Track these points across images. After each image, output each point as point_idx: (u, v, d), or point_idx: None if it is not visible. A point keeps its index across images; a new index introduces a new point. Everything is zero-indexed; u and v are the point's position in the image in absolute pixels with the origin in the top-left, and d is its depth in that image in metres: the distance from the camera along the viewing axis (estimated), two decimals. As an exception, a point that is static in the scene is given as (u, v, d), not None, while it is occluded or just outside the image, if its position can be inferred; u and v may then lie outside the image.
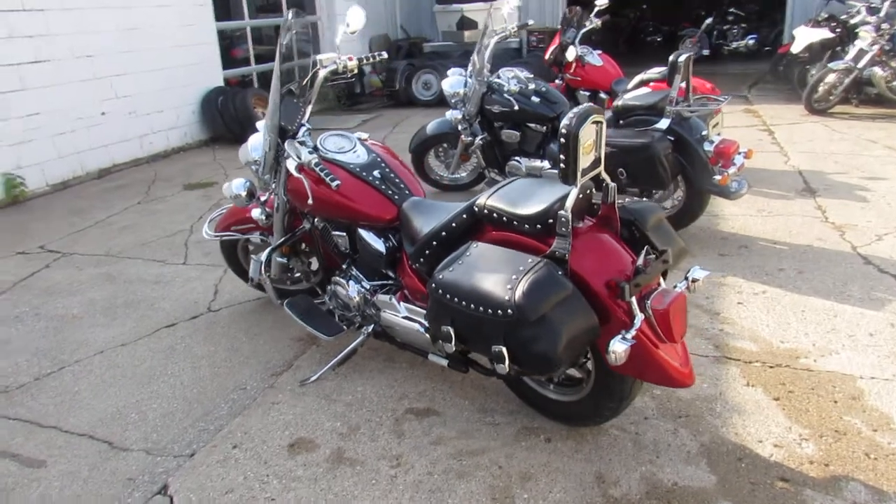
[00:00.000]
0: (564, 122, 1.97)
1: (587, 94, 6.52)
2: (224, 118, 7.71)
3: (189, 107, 7.70)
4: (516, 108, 4.60)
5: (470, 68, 4.85)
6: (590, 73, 6.45)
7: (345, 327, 2.87)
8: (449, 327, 2.14)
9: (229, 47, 9.36)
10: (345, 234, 2.85)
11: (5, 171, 5.64)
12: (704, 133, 4.03)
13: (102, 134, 6.60)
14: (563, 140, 1.97)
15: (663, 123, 4.05)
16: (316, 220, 2.92)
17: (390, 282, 2.79)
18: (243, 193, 3.03)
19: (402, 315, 2.64)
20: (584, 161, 2.01)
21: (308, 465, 2.36)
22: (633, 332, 2.00)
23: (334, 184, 2.58)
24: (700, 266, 2.27)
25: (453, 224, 2.41)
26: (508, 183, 2.39)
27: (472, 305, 2.03)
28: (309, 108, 3.08)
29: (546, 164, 4.63)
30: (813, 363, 2.86)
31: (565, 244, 2.07)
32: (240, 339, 3.27)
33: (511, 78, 4.68)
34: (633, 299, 2.04)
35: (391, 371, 2.92)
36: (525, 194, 2.25)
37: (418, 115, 9.15)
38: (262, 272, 2.99)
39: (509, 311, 1.94)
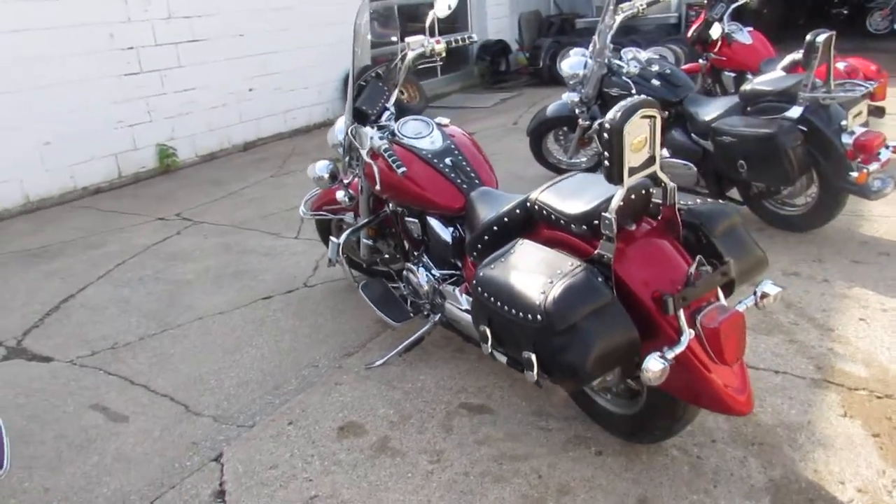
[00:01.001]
0: (609, 115, 1.80)
1: (733, 75, 5.99)
2: (363, 95, 7.94)
3: (332, 84, 8.02)
4: (634, 91, 4.32)
5: (590, 48, 4.62)
6: (737, 52, 5.91)
7: (412, 314, 2.87)
8: (486, 327, 2.06)
9: (380, 25, 9.61)
10: (417, 220, 2.83)
11: (160, 142, 6.20)
12: (844, 123, 3.56)
13: (250, 109, 7.05)
14: (606, 136, 1.81)
15: (795, 111, 3.63)
16: (391, 204, 2.93)
17: (458, 272, 2.74)
18: (326, 175, 3.10)
19: (464, 308, 2.59)
20: (634, 159, 1.83)
21: (352, 450, 2.39)
22: (677, 351, 1.81)
23: (400, 170, 2.57)
24: (772, 281, 2.00)
25: (505, 218, 2.31)
26: (569, 177, 2.24)
27: (506, 307, 1.94)
28: (395, 92, 3.09)
29: (665, 151, 4.32)
30: (934, 398, 2.46)
31: (610, 248, 1.91)
32: (325, 317, 3.38)
33: (631, 59, 4.40)
34: (682, 314, 1.85)
35: (457, 362, 2.88)
36: (579, 191, 2.10)
37: (560, 94, 8.89)
38: (339, 254, 3.05)
39: (539, 316, 1.83)
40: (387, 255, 3.31)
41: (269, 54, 7.13)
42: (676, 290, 1.84)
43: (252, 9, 6.85)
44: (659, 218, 2.05)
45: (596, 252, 1.96)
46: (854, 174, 3.50)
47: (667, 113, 4.32)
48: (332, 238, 3.10)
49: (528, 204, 2.20)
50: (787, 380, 2.63)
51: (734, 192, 4.19)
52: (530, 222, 2.23)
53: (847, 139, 3.53)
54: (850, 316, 3.05)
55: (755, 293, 1.98)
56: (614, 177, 1.84)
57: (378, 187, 2.72)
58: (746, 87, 3.89)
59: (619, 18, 4.59)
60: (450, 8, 2.99)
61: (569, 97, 4.73)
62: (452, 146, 2.77)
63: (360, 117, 2.90)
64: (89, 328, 3.41)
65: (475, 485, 2.19)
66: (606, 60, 4.47)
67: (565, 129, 5.08)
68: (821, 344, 2.85)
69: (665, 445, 2.30)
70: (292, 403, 2.69)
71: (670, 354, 1.80)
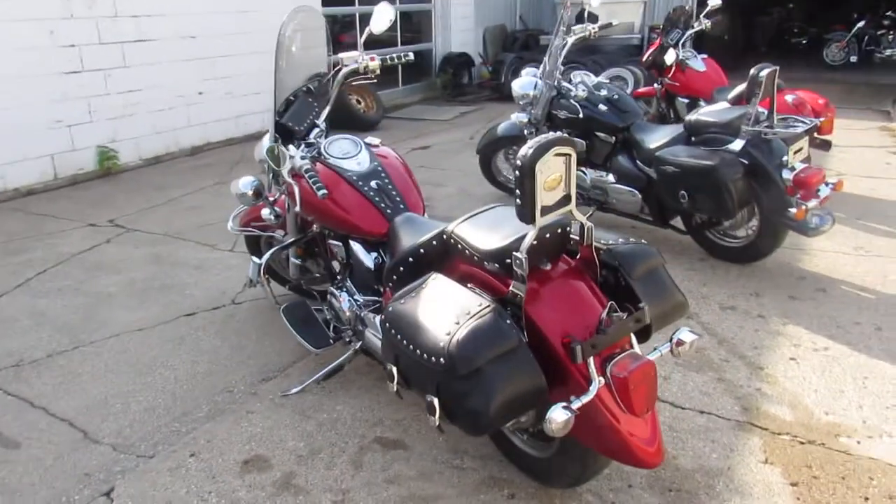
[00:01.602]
0: (521, 152, 1.72)
1: (686, 101, 6.01)
2: (319, 104, 7.80)
3: (287, 90, 7.84)
4: (581, 115, 4.28)
5: (541, 69, 4.57)
6: (690, 78, 5.94)
7: (332, 341, 2.75)
8: (393, 365, 1.95)
9: (338, 33, 9.50)
10: (340, 243, 2.72)
11: (100, 144, 5.98)
12: (785, 159, 3.55)
13: (199, 112, 6.86)
14: (517, 173, 1.73)
15: (737, 144, 3.62)
16: (314, 225, 2.82)
17: (380, 299, 2.63)
18: (250, 192, 2.97)
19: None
20: (547, 198, 1.75)
21: (253, 487, 2.26)
22: (584, 400, 1.73)
23: (320, 193, 2.45)
24: (690, 328, 1.93)
25: (422, 249, 2.21)
26: (489, 209, 2.15)
27: (412, 346, 1.83)
28: (327, 109, 2.98)
29: (611, 177, 4.28)
30: (855, 445, 2.42)
31: (522, 288, 1.83)
32: (248, 337, 3.24)
33: (579, 83, 4.35)
34: (592, 362, 1.77)
35: (377, 391, 2.77)
36: (496, 226, 2.01)
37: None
38: (261, 274, 2.93)
39: (442, 359, 1.73)
40: (317, 276, 3.19)
41: (222, 58, 6.96)
42: (587, 337, 1.77)
43: (205, 11, 6.68)
44: (577, 258, 1.98)
45: (509, 291, 1.87)
46: (793, 210, 3.49)
47: (613, 139, 4.30)
48: (253, 258, 2.97)
49: (444, 236, 2.11)
50: (712, 421, 2.58)
51: (679, 221, 4.17)
52: (447, 255, 2.13)
53: (787, 174, 3.53)
54: (780, 354, 3.02)
55: (671, 340, 1.91)
56: (527, 216, 1.76)
57: (296, 208, 2.61)
58: (691, 117, 3.88)
59: (570, 40, 4.56)
60: (389, 22, 2.91)
61: (517, 117, 4.68)
62: (379, 168, 2.67)
63: (285, 134, 2.78)
64: (-4, 342, 3.22)
65: (378, 529, 2.08)
66: (556, 82, 4.42)
67: (515, 148, 5.01)
68: (749, 383, 2.81)
69: (580, 490, 2.21)
70: (198, 433, 2.55)
71: (577, 404, 1.72)
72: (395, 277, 2.28)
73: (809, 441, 2.45)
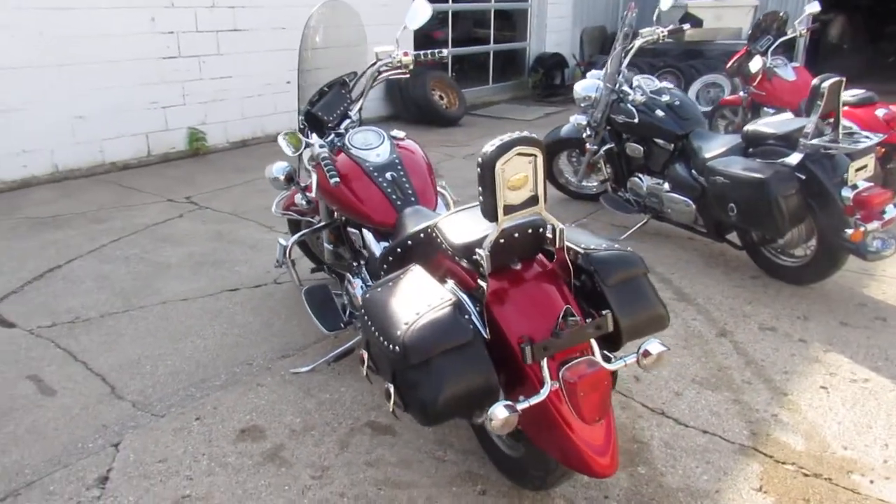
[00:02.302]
0: (484, 148, 1.73)
1: (771, 111, 5.71)
2: (404, 98, 7.98)
3: (374, 83, 8.06)
4: (636, 120, 4.18)
5: (603, 71, 4.49)
6: (777, 88, 5.64)
7: (343, 325, 2.84)
8: (364, 350, 2.02)
9: (430, 29, 9.64)
10: (357, 232, 2.80)
11: (191, 126, 6.39)
12: (845, 176, 3.33)
13: (286, 101, 7.18)
14: (478, 170, 1.74)
15: (794, 158, 3.43)
16: (335, 212, 2.92)
17: (389, 288, 2.69)
18: (282, 177, 3.11)
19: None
20: (512, 197, 1.76)
21: (243, 454, 2.39)
22: (532, 401, 1.73)
23: (332, 181, 2.55)
24: (660, 340, 1.88)
25: (409, 241, 2.26)
26: (477, 205, 2.17)
27: (377, 333, 1.89)
28: (361, 101, 3.08)
29: (666, 185, 4.15)
30: (868, 484, 2.27)
31: (484, 286, 1.84)
32: (279, 315, 3.40)
33: (637, 87, 4.24)
34: (545, 364, 1.76)
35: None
36: (477, 221, 2.03)
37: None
38: (287, 255, 3.06)
39: (397, 347, 1.78)
40: (346, 262, 3.30)
41: (335, 50, 7.23)
42: (540, 339, 1.76)
43: (297, 4, 6.95)
44: (553, 260, 1.97)
45: (476, 288, 1.89)
46: (850, 231, 3.28)
47: (671, 146, 4.17)
48: (280, 240, 3.11)
49: (429, 230, 2.15)
50: (714, 442, 2.48)
51: (735, 235, 3.99)
52: (431, 248, 2.17)
53: (847, 193, 3.31)
54: (811, 382, 2.85)
55: (637, 350, 1.86)
56: (489, 214, 1.77)
57: (311, 194, 2.72)
58: (749, 127, 3.70)
59: (637, 43, 4.45)
60: (425, 19, 2.98)
61: (577, 120, 4.62)
62: (397, 161, 2.73)
63: (315, 123, 2.89)
64: (60, 300, 3.54)
65: (346, 507, 2.16)
66: (616, 86, 4.33)
67: (577, 151, 4.96)
68: (766, 408, 2.68)
69: (552, 494, 2.20)
70: (209, 399, 2.71)
71: (523, 405, 1.72)
72: (385, 266, 2.35)
73: (815, 474, 2.32)
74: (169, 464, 2.34)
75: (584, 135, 4.57)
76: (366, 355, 2.01)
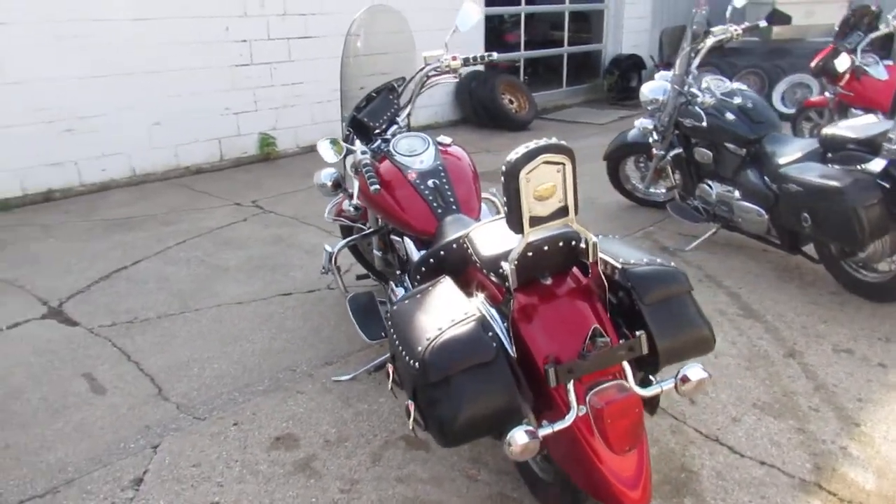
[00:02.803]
0: (509, 156, 1.64)
1: (860, 113, 5.32)
2: (473, 101, 7.92)
3: (444, 87, 8.04)
4: (705, 124, 3.95)
5: (671, 73, 4.29)
6: (867, 88, 5.25)
7: (384, 334, 2.79)
8: (391, 363, 1.96)
9: (503, 32, 9.56)
10: (400, 239, 2.75)
11: (262, 131, 6.53)
12: (934, 185, 3.04)
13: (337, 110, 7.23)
14: (502, 179, 1.65)
15: (877, 164, 3.16)
16: (379, 220, 2.88)
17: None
18: (329, 183, 3.10)
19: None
20: (538, 208, 1.66)
21: (275, 463, 2.37)
22: (556, 427, 1.63)
23: (372, 188, 2.51)
24: (701, 365, 1.73)
25: (442, 252, 2.19)
26: None
27: (401, 347, 1.83)
28: (409, 107, 3.03)
29: (737, 193, 3.92)
30: (946, 532, 2.03)
31: (510, 301, 1.75)
32: (328, 322, 3.39)
33: (705, 88, 4.02)
34: (571, 388, 1.65)
35: (424, 390, 2.77)
36: (509, 233, 1.93)
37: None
38: (332, 262, 3.04)
39: (417, 364, 1.71)
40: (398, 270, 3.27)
41: (381, 55, 7.27)
42: (566, 360, 1.65)
43: (412, 8, 7.01)
44: (589, 275, 1.85)
45: (504, 303, 1.80)
46: (938, 246, 2.99)
47: (743, 151, 3.92)
48: (326, 247, 3.10)
49: (461, 241, 2.07)
50: (771, 475, 2.29)
51: (812, 248, 3.72)
52: (463, 260, 2.09)
53: (936, 204, 3.02)
54: (889, 412, 2.61)
55: (675, 376, 1.72)
56: (514, 226, 1.68)
57: (354, 201, 2.69)
58: (827, 131, 3.44)
59: (708, 43, 4.23)
60: (475, 21, 2.93)
61: (642, 124, 4.44)
62: (440, 168, 2.66)
63: (362, 129, 2.86)
64: (122, 300, 3.65)
65: (371, 524, 2.10)
66: (685, 88, 4.12)
67: (645, 156, 4.76)
68: (835, 440, 2.45)
69: (588, 523, 2.07)
70: (249, 405, 2.72)
71: (546, 430, 1.62)
72: (418, 277, 2.28)
73: (885, 516, 2.10)
74: (202, 469, 2.35)
75: (651, 139, 4.38)
76: (391, 369, 1.95)
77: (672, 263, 1.90)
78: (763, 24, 4.47)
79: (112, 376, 2.94)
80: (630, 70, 9.86)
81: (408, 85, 3.02)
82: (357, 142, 2.75)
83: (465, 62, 2.95)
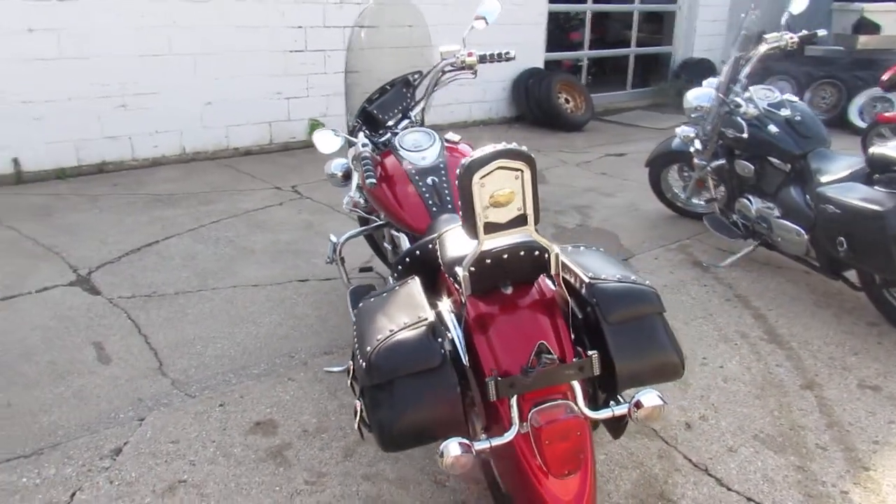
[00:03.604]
0: (464, 160, 1.58)
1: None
2: (528, 99, 7.80)
3: (500, 84, 7.97)
4: (745, 135, 3.76)
5: (717, 80, 4.10)
6: (944, 106, 4.88)
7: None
8: (351, 361, 1.93)
9: (568, 30, 9.37)
10: (400, 235, 2.72)
11: (312, 117, 6.61)
12: None
13: (409, 97, 7.24)
14: (456, 183, 1.59)
15: (924, 190, 2.93)
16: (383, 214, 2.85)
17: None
18: (339, 174, 3.09)
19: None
20: (496, 214, 1.59)
21: (248, 447, 2.39)
22: (493, 442, 1.56)
23: (368, 181, 2.48)
24: (658, 392, 1.62)
25: (417, 251, 2.15)
26: None
27: (357, 346, 1.80)
28: (423, 102, 2.99)
29: (777, 210, 3.71)
30: None
31: (462, 307, 1.70)
32: (337, 311, 3.40)
33: (748, 98, 3.81)
34: (514, 404, 1.58)
35: (413, 388, 2.74)
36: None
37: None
38: (336, 253, 3.04)
39: (363, 364, 1.68)
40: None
41: (435, 48, 7.24)
42: (512, 374, 1.58)
43: (424, 1, 6.99)
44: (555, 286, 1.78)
45: (460, 309, 1.75)
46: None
47: (788, 166, 3.71)
48: (331, 237, 3.09)
49: (434, 241, 2.02)
50: (758, 513, 2.16)
51: (854, 273, 3.49)
52: (435, 261, 2.04)
53: None
54: (904, 457, 2.41)
55: (630, 400, 1.63)
56: (468, 230, 1.62)
57: (352, 194, 2.68)
58: (875, 150, 3.20)
59: (761, 50, 4.01)
60: (495, 14, 2.87)
61: (682, 131, 4.25)
62: (442, 166, 2.61)
63: (371, 121, 2.84)
64: (146, 274, 3.76)
65: (329, 519, 2.09)
66: (729, 96, 3.92)
67: (688, 165, 4.57)
68: (837, 483, 2.29)
69: (547, 543, 1.99)
70: (240, 387, 2.75)
71: (482, 445, 1.56)
72: (395, 275, 2.24)
73: (873, 571, 1.94)
74: (179, 446, 2.39)
75: (692, 149, 4.20)
76: (351, 367, 1.92)
77: (647, 282, 1.80)
78: (822, 32, 4.21)
79: (120, 347, 3.03)
80: (699, 75, 9.48)
81: (423, 80, 2.98)
82: (360, 134, 2.73)
83: (482, 59, 2.90)
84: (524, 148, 1.58)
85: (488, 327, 1.70)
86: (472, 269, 1.68)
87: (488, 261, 1.68)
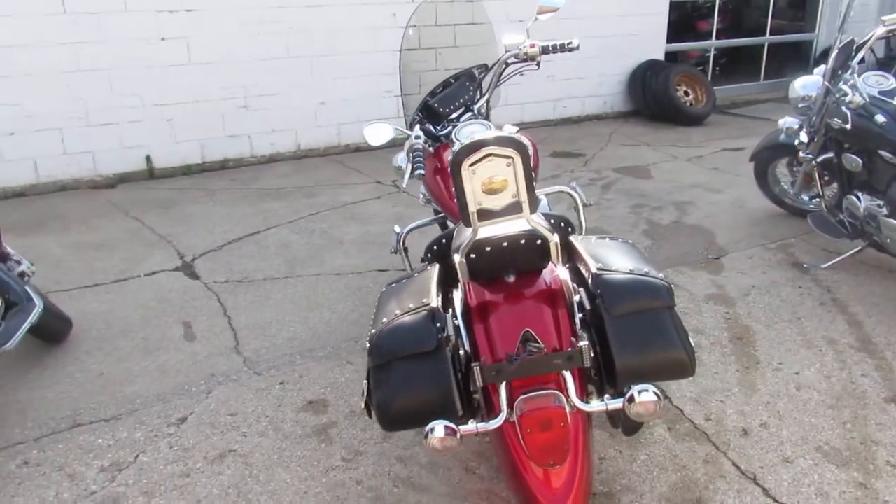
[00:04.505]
0: (455, 146, 1.60)
1: None
2: (645, 92, 7.54)
3: (616, 77, 7.77)
4: (849, 125, 3.44)
5: (825, 66, 3.78)
6: None
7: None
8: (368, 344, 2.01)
9: (696, 18, 8.93)
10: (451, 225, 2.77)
11: (420, 115, 6.77)
12: None
13: (518, 93, 7.23)
14: (450, 169, 1.61)
15: None
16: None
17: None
18: (404, 166, 3.16)
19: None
20: (490, 201, 1.60)
21: (298, 423, 2.53)
22: (479, 427, 1.58)
23: (416, 172, 2.54)
24: (655, 388, 1.56)
25: (443, 240, 2.17)
26: None
27: (371, 328, 1.87)
28: (487, 95, 3.02)
29: (886, 208, 3.38)
30: None
31: (460, 294, 1.72)
32: (408, 300, 3.49)
33: (853, 86, 3.48)
34: (503, 390, 1.59)
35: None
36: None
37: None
38: (400, 242, 3.13)
39: (367, 345, 1.75)
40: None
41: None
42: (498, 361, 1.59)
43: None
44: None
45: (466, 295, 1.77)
46: None
47: (900, 159, 3.37)
48: (396, 227, 3.18)
49: (454, 230, 2.05)
50: (800, 528, 2.00)
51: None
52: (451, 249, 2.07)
53: None
54: None
55: (624, 394, 1.58)
56: (463, 219, 1.64)
57: (403, 184, 2.74)
58: None
59: (877, 32, 3.66)
60: (557, 6, 2.85)
61: (786, 122, 3.96)
62: (493, 158, 2.62)
63: (431, 114, 2.90)
64: (243, 261, 4.05)
65: (352, 496, 2.17)
66: (837, 84, 3.61)
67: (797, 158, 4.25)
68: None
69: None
70: (302, 367, 2.91)
71: (469, 429, 1.58)
72: (428, 255, 2.28)
73: None
74: (236, 418, 2.58)
75: (797, 141, 3.90)
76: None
77: (661, 275, 1.73)
78: (950, 12, 3.74)
79: (205, 327, 3.30)
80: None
81: (488, 73, 3.01)
82: (416, 127, 2.79)
83: (545, 50, 2.88)
84: (515, 135, 1.58)
85: (487, 315, 1.71)
86: (473, 256, 1.70)
87: (488, 248, 1.69)
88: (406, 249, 3.12)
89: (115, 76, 5.51)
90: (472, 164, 1.56)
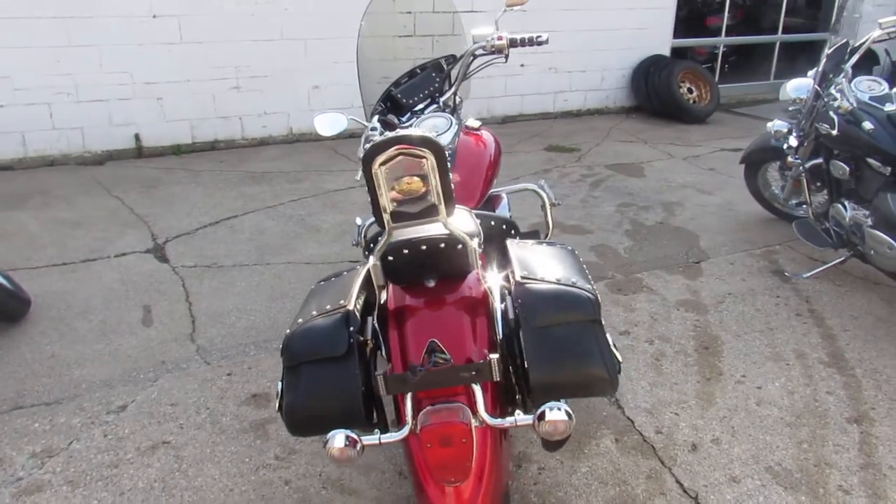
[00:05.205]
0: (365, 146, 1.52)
1: None
2: (647, 88, 7.39)
3: (620, 71, 7.61)
4: (835, 131, 3.31)
5: (816, 69, 3.65)
6: None
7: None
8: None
9: (705, 14, 8.74)
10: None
11: (415, 102, 6.67)
12: None
13: (516, 84, 7.13)
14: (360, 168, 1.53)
15: None
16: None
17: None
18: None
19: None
20: (407, 204, 1.52)
21: (236, 418, 2.47)
22: (382, 439, 1.51)
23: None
24: (565, 406, 1.48)
25: (378, 237, 2.09)
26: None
27: (289, 327, 1.80)
28: (454, 87, 2.93)
29: (869, 220, 3.26)
30: None
31: (381, 297, 1.64)
32: (374, 294, 3.42)
33: (841, 90, 3.35)
34: (409, 401, 1.51)
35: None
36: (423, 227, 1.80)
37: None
38: (360, 236, 3.05)
39: (281, 345, 1.68)
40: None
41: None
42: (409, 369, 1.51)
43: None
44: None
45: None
46: None
47: (888, 169, 3.24)
48: (357, 219, 3.09)
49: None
50: (735, 554, 1.92)
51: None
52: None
53: None
54: (947, 516, 2.05)
55: (534, 412, 1.50)
56: (377, 220, 1.56)
57: (357, 177, 2.67)
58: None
59: (873, 35, 3.53)
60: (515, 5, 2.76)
61: (774, 126, 3.84)
62: (450, 153, 2.54)
63: (395, 105, 2.82)
64: (215, 246, 4.00)
65: (278, 496, 2.12)
66: (826, 88, 3.48)
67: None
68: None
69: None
70: (253, 359, 2.85)
71: (372, 440, 1.51)
72: (363, 260, 2.21)
73: None
74: (176, 409, 2.52)
75: (785, 146, 3.78)
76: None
77: (592, 287, 1.64)
78: (951, 14, 3.59)
79: (164, 312, 3.25)
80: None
81: (455, 64, 2.92)
82: (375, 118, 2.71)
83: (513, 43, 2.77)
84: (428, 134, 1.49)
85: (402, 321, 1.63)
86: (391, 258, 1.62)
87: (406, 251, 1.61)
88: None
89: (105, 52, 5.45)
90: (382, 164, 1.47)
